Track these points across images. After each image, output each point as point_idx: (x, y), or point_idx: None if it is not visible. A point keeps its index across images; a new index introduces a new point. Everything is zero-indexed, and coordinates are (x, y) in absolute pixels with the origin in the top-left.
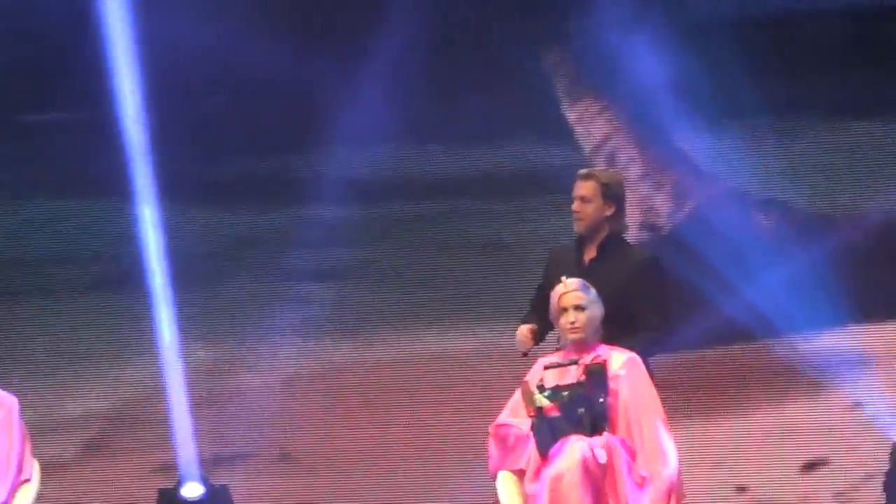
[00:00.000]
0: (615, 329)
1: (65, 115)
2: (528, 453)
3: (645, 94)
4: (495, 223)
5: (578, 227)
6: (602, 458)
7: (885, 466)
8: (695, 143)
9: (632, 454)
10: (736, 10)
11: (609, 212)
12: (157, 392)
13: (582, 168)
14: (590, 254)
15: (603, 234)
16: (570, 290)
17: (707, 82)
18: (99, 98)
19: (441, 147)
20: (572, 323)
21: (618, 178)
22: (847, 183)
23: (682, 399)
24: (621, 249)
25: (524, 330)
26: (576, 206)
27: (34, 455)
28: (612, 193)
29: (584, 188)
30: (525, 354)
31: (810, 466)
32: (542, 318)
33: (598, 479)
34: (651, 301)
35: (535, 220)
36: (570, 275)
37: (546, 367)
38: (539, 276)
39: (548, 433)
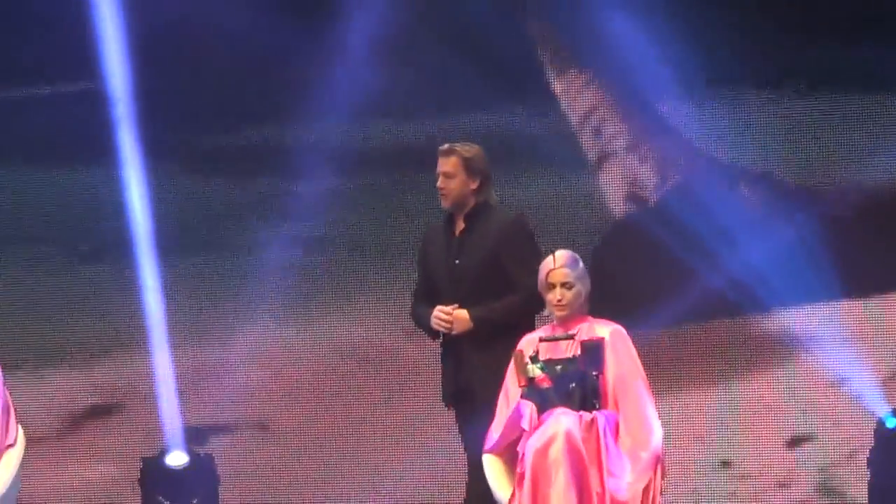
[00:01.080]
0: (492, 294)
1: (54, 86)
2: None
3: (631, 66)
4: None
5: (445, 203)
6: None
7: (870, 443)
8: (681, 114)
9: (617, 427)
10: None
11: (474, 185)
12: (144, 362)
13: (443, 145)
14: (459, 226)
15: (471, 206)
16: (557, 266)
17: (694, 52)
18: (87, 70)
19: (422, 117)
20: (559, 301)
21: (479, 151)
22: (835, 155)
23: (667, 372)
24: (487, 216)
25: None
26: (440, 182)
27: (19, 422)
28: (475, 167)
29: (446, 164)
30: (436, 338)
31: (795, 442)
32: (432, 303)
33: (580, 452)
34: (522, 262)
35: (520, 188)
36: (442, 248)
37: (542, 340)
38: None
39: (538, 403)
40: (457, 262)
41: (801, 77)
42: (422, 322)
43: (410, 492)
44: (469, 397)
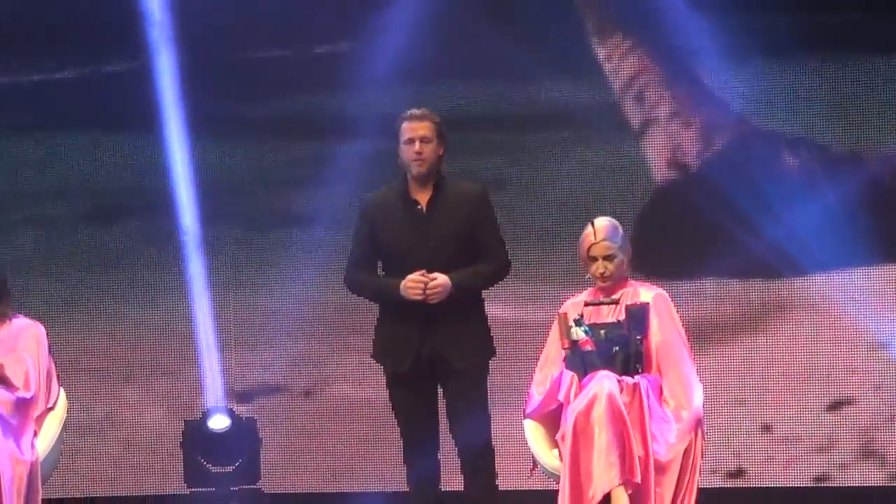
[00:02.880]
0: (466, 264)
1: (105, 61)
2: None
3: (675, 32)
4: (508, 158)
5: (421, 169)
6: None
7: None
8: (724, 81)
9: (659, 390)
10: None
11: (440, 152)
12: (186, 325)
13: (414, 110)
14: (424, 197)
15: (434, 176)
16: (599, 240)
17: (739, 19)
18: (135, 44)
19: (465, 84)
20: (602, 273)
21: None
22: (876, 120)
23: (707, 337)
24: (454, 185)
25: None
26: (419, 146)
27: (61, 385)
28: (444, 133)
29: (423, 128)
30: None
31: (835, 405)
32: (376, 274)
33: (622, 414)
34: (492, 232)
35: (563, 154)
36: (403, 220)
37: (587, 304)
38: None
39: (580, 366)
40: (428, 231)
41: (846, 43)
42: (367, 288)
43: (455, 459)
44: (436, 369)
